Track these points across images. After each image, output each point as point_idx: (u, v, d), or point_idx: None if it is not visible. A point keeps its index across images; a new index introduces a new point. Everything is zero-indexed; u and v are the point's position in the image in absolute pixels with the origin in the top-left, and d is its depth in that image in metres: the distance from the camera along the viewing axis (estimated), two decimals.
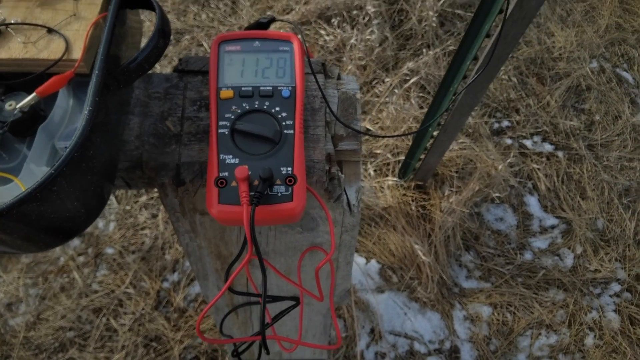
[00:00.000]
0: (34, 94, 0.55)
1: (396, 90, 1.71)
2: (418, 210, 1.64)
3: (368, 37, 1.78)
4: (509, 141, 1.90)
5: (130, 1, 0.55)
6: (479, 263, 1.68)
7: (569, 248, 1.75)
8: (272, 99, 0.55)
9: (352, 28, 1.83)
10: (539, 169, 1.85)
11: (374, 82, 1.79)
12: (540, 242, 1.76)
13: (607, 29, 2.18)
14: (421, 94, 1.77)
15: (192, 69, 0.65)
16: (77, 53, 0.57)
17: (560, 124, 1.97)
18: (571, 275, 1.69)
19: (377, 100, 1.74)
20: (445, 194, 1.60)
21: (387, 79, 1.75)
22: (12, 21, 0.59)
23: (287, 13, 1.97)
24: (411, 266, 1.59)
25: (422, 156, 1.49)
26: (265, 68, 0.58)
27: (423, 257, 1.51)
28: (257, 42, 0.59)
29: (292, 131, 0.54)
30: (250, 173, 0.50)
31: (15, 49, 0.57)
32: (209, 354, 1.47)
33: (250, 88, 0.56)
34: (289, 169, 0.52)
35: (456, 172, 1.67)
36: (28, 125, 0.57)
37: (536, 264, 1.71)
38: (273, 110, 0.55)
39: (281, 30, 0.64)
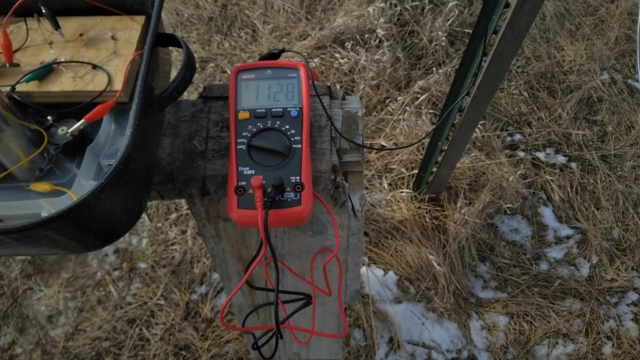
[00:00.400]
0: (82, 120, 0.65)
1: (408, 108, 1.79)
2: (432, 222, 1.70)
3: (379, 57, 1.87)
4: (521, 154, 1.95)
5: (162, 40, 0.65)
6: (495, 273, 1.73)
7: (585, 258, 1.77)
8: (283, 119, 0.64)
9: (365, 50, 1.93)
10: (552, 180, 1.89)
11: (387, 101, 1.87)
12: (555, 252, 1.79)
13: (617, 40, 2.23)
14: (432, 110, 1.84)
15: (214, 95, 0.75)
16: (118, 85, 0.67)
17: (572, 136, 2.01)
18: (587, 285, 1.71)
19: (391, 117, 1.82)
20: (458, 205, 1.66)
21: (399, 97, 1.84)
22: (62, 59, 0.70)
23: (304, 39, 2.09)
24: (427, 277, 1.64)
25: (434, 169, 1.56)
26: (276, 92, 0.67)
27: (438, 268, 1.57)
28: (269, 71, 0.68)
29: (300, 145, 0.63)
30: (264, 182, 0.59)
31: (66, 83, 0.68)
32: None
33: (263, 110, 0.65)
34: (297, 177, 0.61)
35: (468, 184, 1.73)
36: (77, 146, 0.68)
37: (552, 274, 1.74)
38: (283, 128, 0.64)
39: (294, 59, 0.73)
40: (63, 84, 0.67)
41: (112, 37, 0.72)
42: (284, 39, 2.09)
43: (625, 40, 2.25)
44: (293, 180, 0.61)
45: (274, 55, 0.74)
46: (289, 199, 0.60)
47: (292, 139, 0.63)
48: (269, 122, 0.64)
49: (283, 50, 0.73)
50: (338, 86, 1.90)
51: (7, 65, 0.69)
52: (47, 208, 0.62)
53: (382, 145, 1.80)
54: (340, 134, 0.69)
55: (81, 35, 0.73)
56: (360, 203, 0.71)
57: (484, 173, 1.76)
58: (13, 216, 0.64)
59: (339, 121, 0.74)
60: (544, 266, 1.76)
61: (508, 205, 1.75)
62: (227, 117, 0.73)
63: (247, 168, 0.62)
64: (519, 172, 1.81)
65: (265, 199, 0.58)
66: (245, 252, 0.77)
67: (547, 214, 1.85)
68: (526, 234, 1.81)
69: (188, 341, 1.57)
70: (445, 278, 1.59)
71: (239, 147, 0.63)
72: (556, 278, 1.73)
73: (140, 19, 0.75)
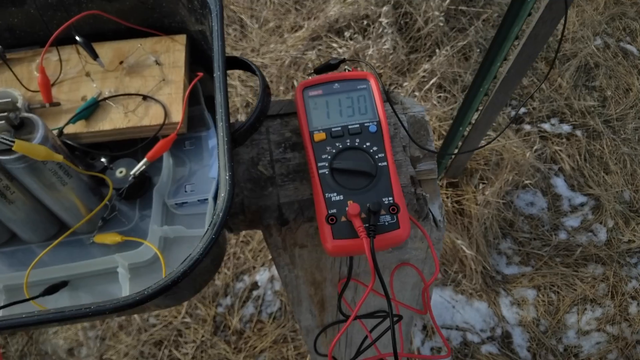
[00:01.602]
0: (145, 160, 0.60)
1: (416, 93, 1.76)
2: (453, 206, 1.69)
3: (381, 45, 1.82)
4: (528, 127, 1.95)
5: (231, 64, 0.59)
6: (517, 249, 1.73)
7: (601, 223, 1.79)
8: (362, 135, 0.60)
9: (364, 38, 1.88)
10: (560, 150, 1.90)
11: (393, 88, 1.84)
12: (572, 221, 1.80)
13: (606, 5, 2.23)
14: (440, 94, 1.82)
15: (270, 114, 0.70)
16: (176, 116, 0.62)
17: (574, 104, 2.02)
18: (607, 249, 1.74)
19: None
20: (480, 187, 1.65)
21: (405, 83, 1.80)
22: (107, 92, 0.64)
23: (296, 30, 2.02)
24: (454, 261, 1.64)
25: (453, 154, 1.54)
26: (348, 107, 0.62)
27: (468, 252, 1.56)
28: (336, 84, 0.63)
29: (385, 163, 0.59)
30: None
31: (118, 120, 0.62)
32: None
33: (339, 128, 0.61)
34: (390, 198, 0.57)
35: (485, 164, 1.72)
36: (138, 188, 0.62)
37: (571, 242, 1.76)
38: (364, 146, 0.60)
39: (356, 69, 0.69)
40: (114, 120, 0.62)
41: (156, 62, 0.67)
42: (276, 32, 2.02)
43: (613, 3, 2.25)
44: (386, 202, 0.57)
45: (331, 66, 0.69)
46: (386, 223, 0.56)
47: (376, 156, 0.59)
48: (348, 140, 0.60)
49: (343, 60, 0.68)
50: None
51: (47, 105, 0.62)
52: (123, 263, 0.57)
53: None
54: (416, 143, 0.66)
55: (121, 62, 0.67)
56: (441, 212, 0.68)
57: (498, 152, 1.75)
58: (81, 274, 0.59)
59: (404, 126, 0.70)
60: (562, 236, 1.77)
61: (527, 182, 1.75)
62: (289, 136, 0.69)
63: (335, 194, 0.57)
64: (534, 147, 1.81)
65: (366, 225, 0.54)
66: (319, 276, 0.73)
67: (559, 184, 1.86)
68: (542, 206, 1.82)
69: (222, 356, 1.53)
70: (472, 260, 1.59)
71: (321, 171, 0.58)
72: (576, 246, 1.75)
73: (182, 38, 0.69)
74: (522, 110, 1.97)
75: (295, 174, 0.66)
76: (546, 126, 1.97)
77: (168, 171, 0.63)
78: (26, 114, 0.50)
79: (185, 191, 0.62)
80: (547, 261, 1.71)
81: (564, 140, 1.94)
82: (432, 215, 0.68)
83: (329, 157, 0.59)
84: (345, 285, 0.62)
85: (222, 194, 0.47)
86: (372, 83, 0.63)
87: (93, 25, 0.68)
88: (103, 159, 0.62)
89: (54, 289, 0.55)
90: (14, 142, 0.45)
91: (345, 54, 1.86)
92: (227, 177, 0.47)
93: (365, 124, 0.61)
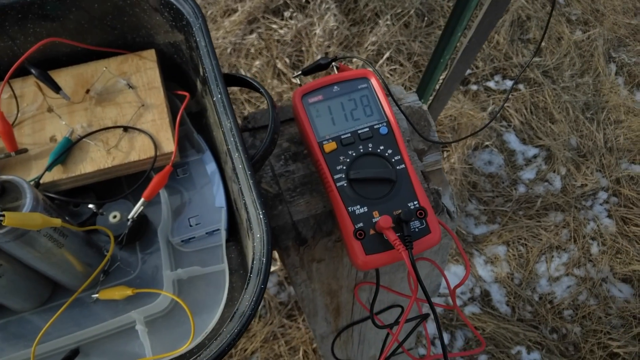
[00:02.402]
0: (142, 200, 0.53)
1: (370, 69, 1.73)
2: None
3: (324, 22, 1.77)
4: (474, 87, 1.99)
5: (229, 82, 0.53)
6: (483, 208, 1.78)
7: (554, 171, 1.88)
8: (374, 139, 0.57)
9: (305, 16, 1.81)
10: (508, 106, 1.95)
11: (344, 62, 1.80)
12: (528, 174, 1.87)
13: None
14: (393, 67, 1.80)
15: (263, 125, 0.65)
16: (167, 145, 0.55)
17: (513, 59, 2.07)
18: (563, 196, 1.83)
19: None
20: (444, 155, 1.66)
21: (354, 59, 1.77)
22: (79, 129, 0.56)
23: (230, 15, 1.92)
24: None
25: None
26: (352, 110, 0.58)
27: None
28: (335, 87, 0.59)
29: (403, 165, 0.56)
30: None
31: (100, 159, 0.54)
32: None
33: (349, 134, 0.57)
34: (415, 202, 0.54)
35: (444, 132, 1.73)
36: (136, 231, 0.56)
37: (531, 194, 1.83)
38: (379, 150, 0.56)
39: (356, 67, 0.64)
40: (96, 160, 0.54)
41: (129, 85, 0.59)
42: (208, 20, 1.90)
43: None
44: (412, 207, 0.54)
45: (321, 66, 0.64)
46: (417, 229, 0.54)
47: (393, 159, 0.56)
48: (361, 147, 0.56)
49: (335, 59, 0.64)
50: (287, 60, 1.78)
51: (13, 154, 0.53)
52: (139, 318, 0.51)
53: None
54: (422, 136, 0.63)
55: (87, 91, 0.59)
56: (453, 202, 0.66)
57: (452, 116, 1.77)
58: (92, 338, 0.52)
59: (403, 119, 0.68)
60: (522, 189, 1.84)
61: (487, 143, 1.79)
62: (287, 146, 0.64)
63: (358, 206, 0.54)
64: (488, 109, 1.84)
65: (399, 234, 0.51)
66: (335, 285, 0.70)
67: (512, 139, 1.92)
68: (499, 163, 1.88)
69: None
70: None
71: (339, 184, 0.54)
72: (535, 197, 1.82)
73: (150, 54, 0.62)
74: (467, 71, 1.99)
75: (303, 187, 0.61)
76: (491, 84, 2.02)
77: (167, 207, 0.56)
78: (4, 177, 0.42)
79: (190, 225, 0.57)
80: (511, 216, 1.78)
81: (510, 95, 1.99)
82: (446, 207, 0.66)
83: (344, 167, 0.55)
84: (374, 299, 0.60)
85: (258, 235, 0.42)
86: (373, 81, 0.60)
87: (44, 51, 0.58)
88: (91, 205, 0.54)
89: None
90: (3, 215, 0.38)
91: (288, 35, 1.79)
92: (260, 216, 0.42)
93: (375, 127, 0.57)
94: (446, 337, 1.58)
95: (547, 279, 1.69)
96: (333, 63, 0.65)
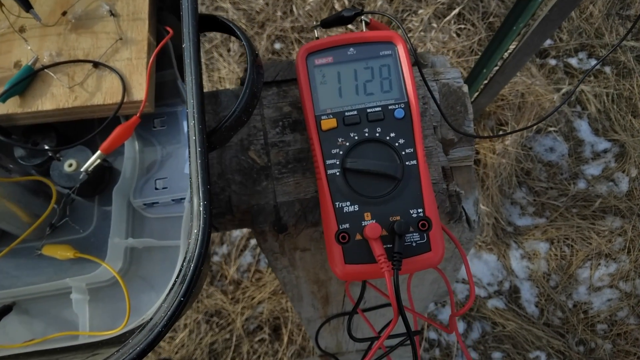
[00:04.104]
0: (99, 152, 0.46)
1: (434, 24, 1.55)
2: None
3: None
4: (553, 62, 1.76)
5: (205, 25, 0.43)
6: (532, 199, 1.62)
7: (624, 172, 1.67)
8: (384, 123, 0.46)
9: None
10: (587, 89, 1.72)
11: (406, 15, 1.62)
12: (593, 169, 1.67)
13: None
14: (461, 25, 1.61)
15: (265, 80, 0.55)
16: (138, 92, 0.47)
17: (605, 36, 1.81)
18: (627, 201, 1.63)
19: (411, 35, 1.59)
20: (498, 133, 1.50)
21: (420, 10, 1.59)
22: (46, 57, 0.48)
23: None
24: None
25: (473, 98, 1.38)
26: (367, 81, 0.47)
27: (483, 208, 1.45)
28: (351, 49, 0.48)
29: (414, 161, 0.45)
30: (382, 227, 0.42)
31: (61, 96, 0.47)
32: (271, 323, 1.47)
33: (355, 112, 0.46)
34: (420, 210, 0.44)
35: (506, 108, 1.56)
36: (96, 183, 0.49)
37: (590, 193, 1.64)
38: (388, 138, 0.45)
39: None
40: (57, 97, 0.47)
41: (111, 13, 0.50)
42: None
43: None
44: (414, 215, 0.44)
45: (344, 19, 0.52)
46: (413, 243, 0.43)
47: (403, 152, 0.45)
48: (366, 130, 0.45)
49: (361, 12, 0.51)
50: (346, 1, 1.62)
51: None
52: (79, 286, 0.45)
53: None
54: (451, 126, 0.51)
55: (64, 14, 0.50)
56: (476, 210, 0.55)
57: (519, 92, 1.58)
58: (30, 295, 0.47)
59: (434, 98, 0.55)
60: (581, 185, 1.66)
61: (551, 129, 1.60)
62: (288, 111, 0.54)
63: (348, 203, 0.44)
64: (562, 91, 1.63)
65: (387, 247, 0.41)
66: (324, 275, 0.61)
67: (583, 128, 1.71)
68: (562, 152, 1.68)
69: (218, 306, 1.47)
70: (486, 215, 1.48)
71: (329, 172, 0.44)
72: (595, 196, 1.63)
73: None
74: (548, 42, 1.76)
75: (295, 164, 0.52)
76: (573, 61, 1.78)
77: (133, 163, 0.49)
78: None
79: (156, 188, 0.49)
80: (562, 212, 1.61)
81: (592, 77, 1.75)
82: (466, 214, 0.55)
83: (341, 152, 0.45)
84: (357, 304, 0.51)
85: (195, 230, 0.34)
86: (400, 48, 0.47)
87: None
88: (47, 148, 0.48)
89: None
90: None
91: None
92: (200, 208, 0.33)
93: (390, 107, 0.46)
94: (461, 326, 1.49)
95: (587, 287, 1.54)
96: (362, 17, 0.53)
